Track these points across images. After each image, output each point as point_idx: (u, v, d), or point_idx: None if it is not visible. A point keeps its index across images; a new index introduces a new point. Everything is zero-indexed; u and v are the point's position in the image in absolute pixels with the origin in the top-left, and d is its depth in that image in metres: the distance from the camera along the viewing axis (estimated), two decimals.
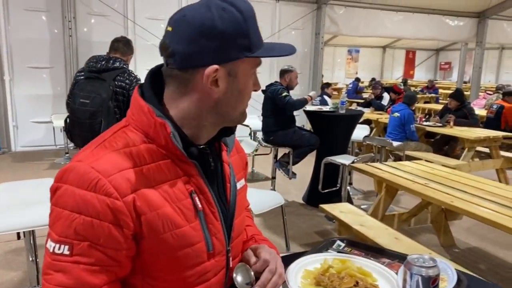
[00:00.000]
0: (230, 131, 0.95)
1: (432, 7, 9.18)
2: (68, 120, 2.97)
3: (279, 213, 3.08)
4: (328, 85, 8.07)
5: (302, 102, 4.39)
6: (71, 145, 5.56)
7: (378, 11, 8.84)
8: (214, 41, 0.79)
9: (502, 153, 5.59)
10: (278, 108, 4.32)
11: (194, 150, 0.85)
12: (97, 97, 2.81)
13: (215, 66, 0.81)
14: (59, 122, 5.50)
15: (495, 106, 6.58)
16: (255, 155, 5.36)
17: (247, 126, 5.50)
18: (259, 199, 2.61)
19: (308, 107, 4.60)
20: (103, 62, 2.92)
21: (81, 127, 2.83)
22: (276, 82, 4.48)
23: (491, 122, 6.43)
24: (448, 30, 9.82)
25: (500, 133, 5.48)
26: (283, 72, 4.49)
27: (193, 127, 0.86)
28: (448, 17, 9.64)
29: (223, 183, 0.94)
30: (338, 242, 1.13)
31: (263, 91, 4.50)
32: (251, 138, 5.53)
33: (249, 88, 0.88)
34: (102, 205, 0.75)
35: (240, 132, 5.57)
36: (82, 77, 2.95)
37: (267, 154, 5.41)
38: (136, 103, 0.86)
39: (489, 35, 9.93)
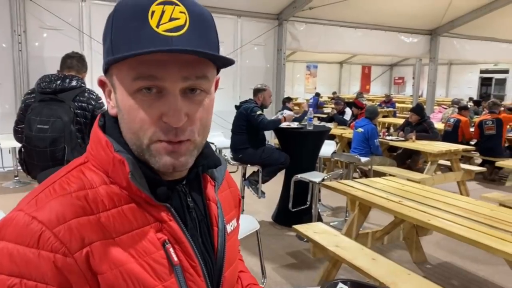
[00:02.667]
0: (216, 160, 0.79)
1: (388, 24, 9.52)
2: (23, 150, 2.66)
3: (251, 235, 2.93)
4: (289, 99, 8.10)
5: (275, 122, 4.31)
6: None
7: (338, 27, 9.04)
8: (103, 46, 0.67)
9: (462, 165, 5.77)
10: (251, 126, 4.21)
11: (164, 190, 0.67)
12: (58, 121, 2.53)
13: (101, 76, 0.68)
14: (7, 143, 5.09)
15: (452, 120, 6.83)
16: None
17: (212, 143, 5.33)
18: None
19: None
20: (58, 82, 2.65)
21: (40, 157, 2.53)
22: (250, 99, 4.38)
23: (449, 135, 6.66)
24: (404, 47, 10.21)
25: (460, 146, 5.67)
26: (256, 91, 4.40)
27: None
28: (403, 34, 10.03)
29: (208, 228, 0.75)
30: (341, 284, 1.00)
31: (236, 107, 4.39)
32: None
33: (133, 110, 0.63)
34: (47, 264, 0.58)
35: None
36: (33, 100, 2.66)
37: (234, 172, 5.26)
38: (94, 135, 0.71)
39: (441, 51, 10.42)
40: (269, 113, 5.98)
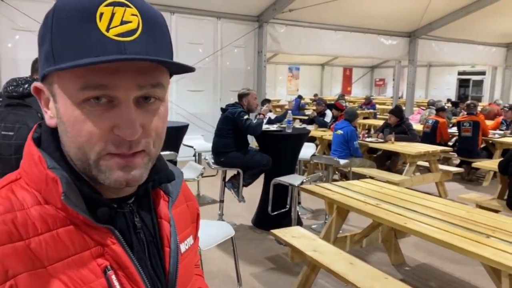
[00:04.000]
0: (169, 175, 0.72)
1: (368, 26, 9.60)
2: None
3: (228, 239, 2.88)
4: (267, 101, 8.07)
5: (260, 124, 4.27)
6: None
7: (318, 30, 9.07)
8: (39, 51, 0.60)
9: (440, 166, 5.83)
10: (237, 130, 4.15)
11: (105, 211, 0.60)
12: (23, 127, 2.41)
13: (37, 83, 0.62)
14: None
15: (430, 121, 6.91)
16: (203, 177, 5.12)
17: (191, 147, 5.25)
18: (207, 231, 2.39)
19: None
20: (26, 86, 2.53)
21: (5, 165, 2.40)
22: (236, 103, 4.32)
23: (428, 136, 6.73)
24: (383, 49, 10.32)
25: (438, 148, 5.72)
26: (241, 96, 4.34)
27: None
28: (382, 37, 10.14)
29: (158, 249, 0.68)
30: None
31: (222, 110, 4.32)
32: (195, 160, 5.28)
33: (78, 122, 0.56)
34: None
35: (183, 152, 5.35)
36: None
37: (214, 175, 5.19)
38: (27, 149, 0.64)
39: (420, 53, 10.57)
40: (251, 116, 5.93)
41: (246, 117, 4.10)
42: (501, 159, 4.30)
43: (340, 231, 3.81)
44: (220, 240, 2.32)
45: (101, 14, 0.54)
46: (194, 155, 5.41)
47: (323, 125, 7.48)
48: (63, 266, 0.56)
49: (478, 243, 2.20)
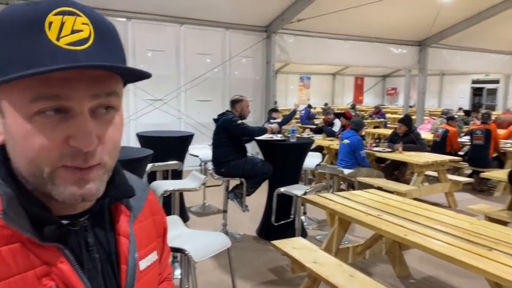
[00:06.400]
0: (127, 190, 0.70)
1: (377, 35, 9.56)
2: None
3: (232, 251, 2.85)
4: (275, 110, 8.07)
5: (261, 130, 4.26)
6: None
7: (326, 39, 9.07)
8: None
9: (449, 176, 5.72)
10: (232, 138, 4.16)
11: (51, 229, 0.58)
12: None
13: None
14: None
15: (440, 130, 6.81)
16: (207, 186, 5.12)
17: (196, 156, 5.26)
18: (203, 242, 2.38)
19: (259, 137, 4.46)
20: None
21: None
22: (228, 111, 4.33)
23: (438, 145, 6.63)
24: (393, 58, 10.25)
25: (446, 157, 5.63)
26: (234, 102, 4.35)
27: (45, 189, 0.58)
28: (392, 46, 10.08)
29: (113, 267, 0.66)
30: None
31: (215, 120, 4.34)
32: (201, 171, 5.28)
33: (30, 136, 0.54)
34: None
35: (189, 162, 5.35)
36: None
37: (219, 185, 5.18)
38: None
39: (430, 62, 10.46)
40: (257, 124, 5.92)
41: (240, 121, 4.10)
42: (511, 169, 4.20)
43: (346, 242, 3.76)
44: (215, 251, 2.30)
45: (50, 23, 0.53)
46: (200, 165, 5.42)
47: (330, 134, 7.44)
48: (3, 287, 0.54)
49: (481, 257, 2.13)
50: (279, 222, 4.14)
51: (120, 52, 0.61)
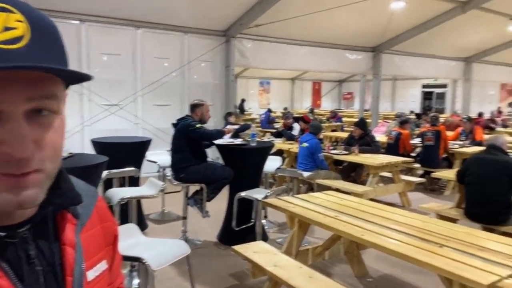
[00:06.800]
0: (74, 198, 0.66)
1: (333, 42, 9.83)
2: None
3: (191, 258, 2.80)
4: (230, 114, 8.09)
5: (219, 132, 4.22)
6: None
7: (285, 45, 9.20)
8: None
9: (403, 177, 5.96)
10: (191, 143, 4.10)
11: None
12: None
13: None
14: None
15: (393, 133, 7.09)
16: (165, 193, 5.02)
17: (154, 162, 5.15)
18: (161, 250, 2.32)
19: (219, 141, 4.44)
20: None
21: None
22: (187, 115, 4.27)
23: (391, 147, 6.89)
24: (348, 63, 10.57)
25: (399, 159, 5.86)
26: (194, 107, 4.30)
27: None
28: (347, 52, 10.39)
29: (57, 279, 0.62)
30: None
31: (174, 125, 4.26)
32: (159, 177, 5.17)
33: None
34: None
35: (147, 168, 5.22)
36: None
37: (178, 191, 5.10)
38: None
39: (383, 67, 10.89)
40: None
41: (198, 125, 4.06)
42: (459, 168, 4.44)
43: (306, 244, 3.81)
44: (174, 259, 2.25)
45: None
46: (158, 171, 5.30)
47: (290, 138, 7.54)
48: None
49: (432, 253, 2.23)
50: (240, 227, 4.12)
51: (60, 51, 0.57)
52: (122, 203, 3.35)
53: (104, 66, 7.17)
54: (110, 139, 4.75)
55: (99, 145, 4.42)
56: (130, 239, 2.39)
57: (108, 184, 3.94)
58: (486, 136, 7.03)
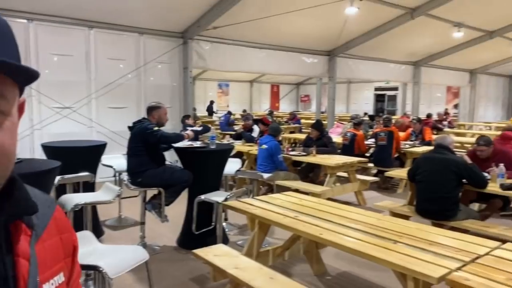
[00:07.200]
0: (29, 207, 0.63)
1: (290, 45, 10.00)
2: None
3: (150, 264, 2.74)
4: (187, 116, 8.03)
5: (178, 136, 4.16)
6: None
7: (243, 47, 9.24)
8: None
9: (358, 176, 6.16)
10: (148, 146, 4.00)
11: None
12: None
13: None
14: None
15: (348, 134, 7.32)
16: (122, 198, 4.88)
17: (110, 166, 4.99)
18: (118, 257, 2.25)
19: (178, 144, 4.37)
20: None
21: None
22: (144, 118, 4.17)
23: (347, 148, 7.11)
24: (305, 67, 10.79)
25: (355, 159, 6.05)
26: (151, 109, 4.20)
27: None
28: (304, 55, 10.61)
29: None
30: None
31: (130, 128, 4.15)
32: (115, 182, 5.02)
33: None
34: None
35: (103, 173, 5.06)
36: None
37: (135, 196, 4.97)
38: None
39: (338, 71, 11.21)
40: (175, 131, 5.76)
41: (156, 128, 3.99)
42: (410, 167, 4.65)
43: (266, 245, 3.84)
44: (132, 266, 2.20)
45: None
46: (114, 175, 5.15)
47: (250, 140, 7.57)
48: None
49: (387, 250, 2.32)
50: (200, 231, 4.09)
51: (9, 50, 0.55)
52: (76, 209, 3.22)
53: (55, 67, 6.86)
54: (63, 143, 4.56)
55: (50, 149, 4.23)
56: (85, 247, 2.30)
57: (62, 190, 3.78)
58: (434, 136, 7.43)
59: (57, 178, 3.47)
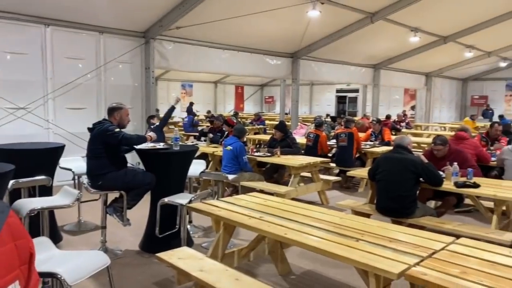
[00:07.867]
0: None
1: (254, 47, 10.04)
2: None
3: (112, 267, 2.66)
4: (152, 117, 7.90)
5: (140, 138, 4.05)
6: None
7: (206, 48, 9.18)
8: None
9: (321, 176, 6.27)
10: (109, 148, 3.88)
11: None
12: None
13: None
14: None
15: (312, 135, 7.44)
16: (82, 202, 4.71)
17: (69, 169, 4.81)
18: (77, 263, 2.17)
19: (140, 145, 4.27)
20: None
21: None
22: (105, 120, 4.04)
23: (310, 149, 7.23)
24: (269, 68, 10.87)
25: (318, 159, 6.16)
26: (112, 110, 4.07)
27: None
28: (268, 57, 10.68)
29: None
30: None
31: (89, 129, 4.00)
32: (75, 185, 4.84)
33: None
34: None
35: (61, 176, 4.87)
36: None
37: (96, 200, 4.81)
38: None
39: (302, 73, 11.37)
40: (137, 133, 5.63)
41: (117, 129, 3.88)
42: (370, 167, 4.79)
43: (231, 246, 3.83)
44: (93, 271, 2.12)
45: None
46: (73, 178, 4.96)
47: (217, 141, 7.53)
48: None
49: (349, 247, 2.38)
50: (164, 234, 4.01)
51: None
52: (32, 214, 3.08)
53: (8, 66, 6.53)
54: (17, 145, 4.34)
55: (3, 152, 4.01)
56: (41, 254, 2.20)
57: (16, 194, 3.60)
58: (393, 137, 7.69)
59: (11, 182, 3.30)
